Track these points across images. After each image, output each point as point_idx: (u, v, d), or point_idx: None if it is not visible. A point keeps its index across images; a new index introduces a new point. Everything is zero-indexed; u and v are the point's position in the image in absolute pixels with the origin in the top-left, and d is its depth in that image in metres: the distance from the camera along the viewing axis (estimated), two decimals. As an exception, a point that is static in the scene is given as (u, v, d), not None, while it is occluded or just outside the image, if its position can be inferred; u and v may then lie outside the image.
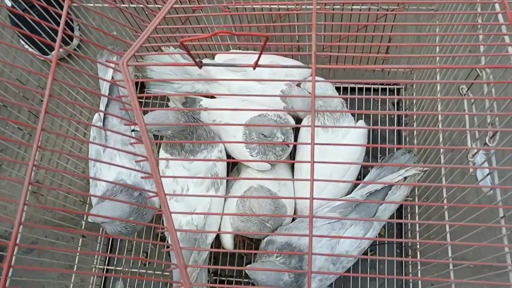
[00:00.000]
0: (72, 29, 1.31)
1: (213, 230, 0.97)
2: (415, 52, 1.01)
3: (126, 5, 0.99)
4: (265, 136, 0.92)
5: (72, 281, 1.07)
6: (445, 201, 0.87)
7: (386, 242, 0.85)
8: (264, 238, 0.96)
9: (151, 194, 0.97)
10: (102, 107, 1.05)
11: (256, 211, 0.90)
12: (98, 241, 1.12)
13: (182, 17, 0.96)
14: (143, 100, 1.23)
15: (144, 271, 1.10)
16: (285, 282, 0.82)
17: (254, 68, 0.51)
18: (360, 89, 1.20)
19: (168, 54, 1.09)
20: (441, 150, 0.88)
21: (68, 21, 1.29)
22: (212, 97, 1.12)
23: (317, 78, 0.97)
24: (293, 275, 0.82)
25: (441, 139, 0.92)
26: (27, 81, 1.25)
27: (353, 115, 1.00)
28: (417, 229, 1.00)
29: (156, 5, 0.89)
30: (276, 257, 0.86)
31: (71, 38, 1.27)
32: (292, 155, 1.09)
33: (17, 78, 1.18)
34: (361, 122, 0.99)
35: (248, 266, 0.83)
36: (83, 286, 1.10)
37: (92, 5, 1.04)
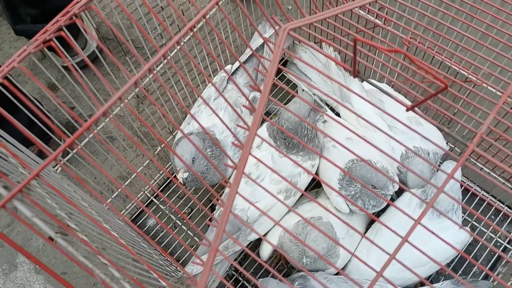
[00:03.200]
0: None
1: (259, 232, 0.92)
2: None
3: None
4: (374, 187, 0.84)
5: (119, 190, 1.08)
6: None
7: None
8: (297, 271, 0.89)
9: (229, 162, 0.95)
10: (243, 58, 1.03)
11: (309, 241, 0.83)
12: (160, 172, 1.12)
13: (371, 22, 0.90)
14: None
15: (180, 224, 1.08)
16: None
17: (407, 110, 0.44)
18: (482, 200, 1.06)
19: (326, 56, 1.04)
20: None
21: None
22: (338, 114, 1.06)
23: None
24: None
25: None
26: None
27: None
28: None
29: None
30: None
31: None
32: (377, 214, 1.00)
33: None
34: (465, 231, 0.87)
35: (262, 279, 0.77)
36: (125, 201, 1.11)
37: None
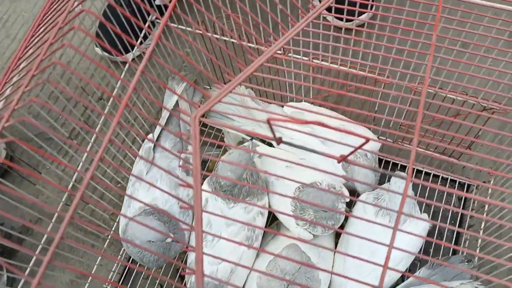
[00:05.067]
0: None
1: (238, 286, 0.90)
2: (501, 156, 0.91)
3: (218, 36, 0.95)
4: (325, 211, 0.85)
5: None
6: None
7: None
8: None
9: (184, 226, 0.92)
10: (158, 129, 1.00)
11: (284, 267, 0.82)
12: (117, 262, 1.07)
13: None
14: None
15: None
16: None
17: (338, 162, 0.44)
18: (427, 174, 1.10)
19: (241, 95, 1.04)
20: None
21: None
22: (271, 144, 1.06)
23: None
24: None
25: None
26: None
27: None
28: None
29: (257, 45, 0.83)
30: None
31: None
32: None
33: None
34: (425, 216, 0.90)
35: None
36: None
37: (183, 27, 1.00)
